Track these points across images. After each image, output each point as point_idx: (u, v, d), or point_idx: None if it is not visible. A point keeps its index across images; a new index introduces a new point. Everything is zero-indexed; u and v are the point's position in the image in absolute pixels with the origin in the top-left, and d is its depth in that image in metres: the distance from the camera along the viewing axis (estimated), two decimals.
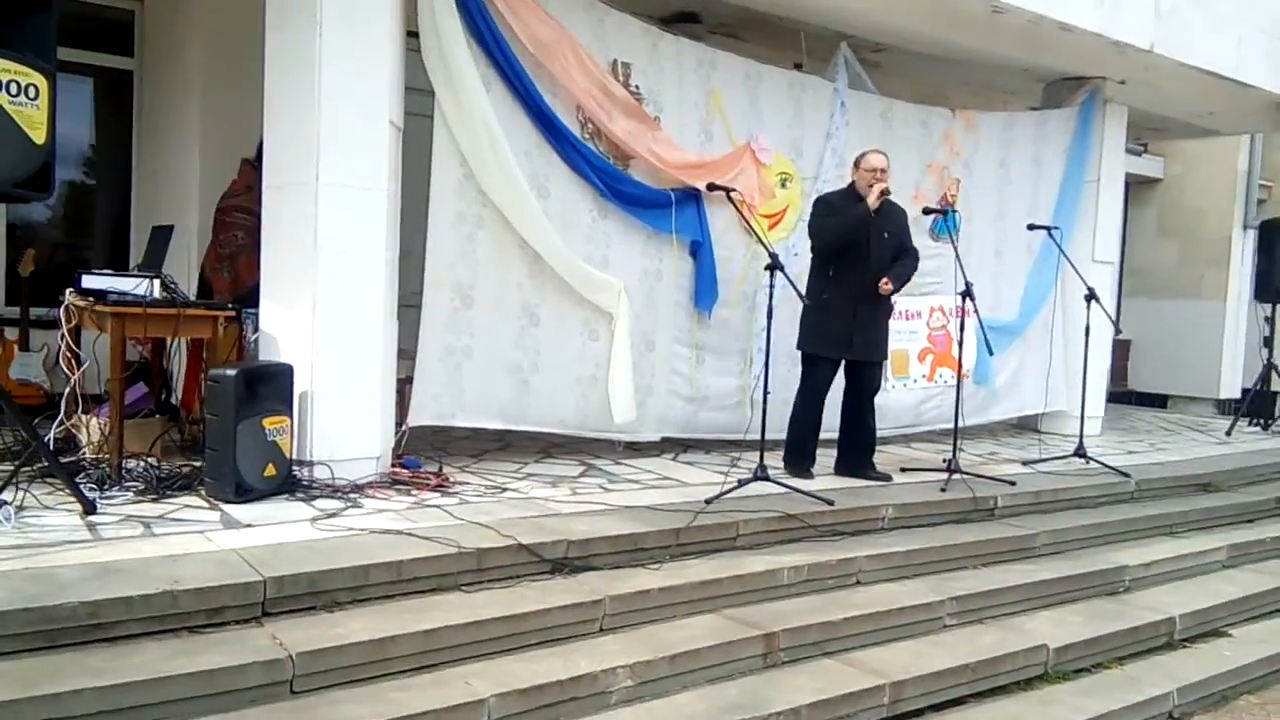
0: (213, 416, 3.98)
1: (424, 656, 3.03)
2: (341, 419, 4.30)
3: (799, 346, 5.21)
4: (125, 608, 2.82)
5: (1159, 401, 11.48)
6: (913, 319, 6.74)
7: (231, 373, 3.93)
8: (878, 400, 6.37)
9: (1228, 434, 8.36)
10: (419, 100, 4.76)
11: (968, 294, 5.26)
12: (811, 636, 3.54)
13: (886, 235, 5.17)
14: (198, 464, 4.26)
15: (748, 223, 4.99)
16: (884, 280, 5.19)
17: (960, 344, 5.43)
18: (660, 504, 4.31)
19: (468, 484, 4.54)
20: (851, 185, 5.24)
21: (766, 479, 4.63)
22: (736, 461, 5.47)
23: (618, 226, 5.16)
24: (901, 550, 4.27)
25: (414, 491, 4.30)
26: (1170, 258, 11.77)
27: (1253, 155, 11.02)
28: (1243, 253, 11.06)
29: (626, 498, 4.46)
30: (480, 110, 4.57)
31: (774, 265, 4.62)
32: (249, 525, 3.64)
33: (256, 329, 4.53)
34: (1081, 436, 6.25)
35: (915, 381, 6.76)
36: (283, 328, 4.35)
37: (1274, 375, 8.82)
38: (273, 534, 3.53)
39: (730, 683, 3.28)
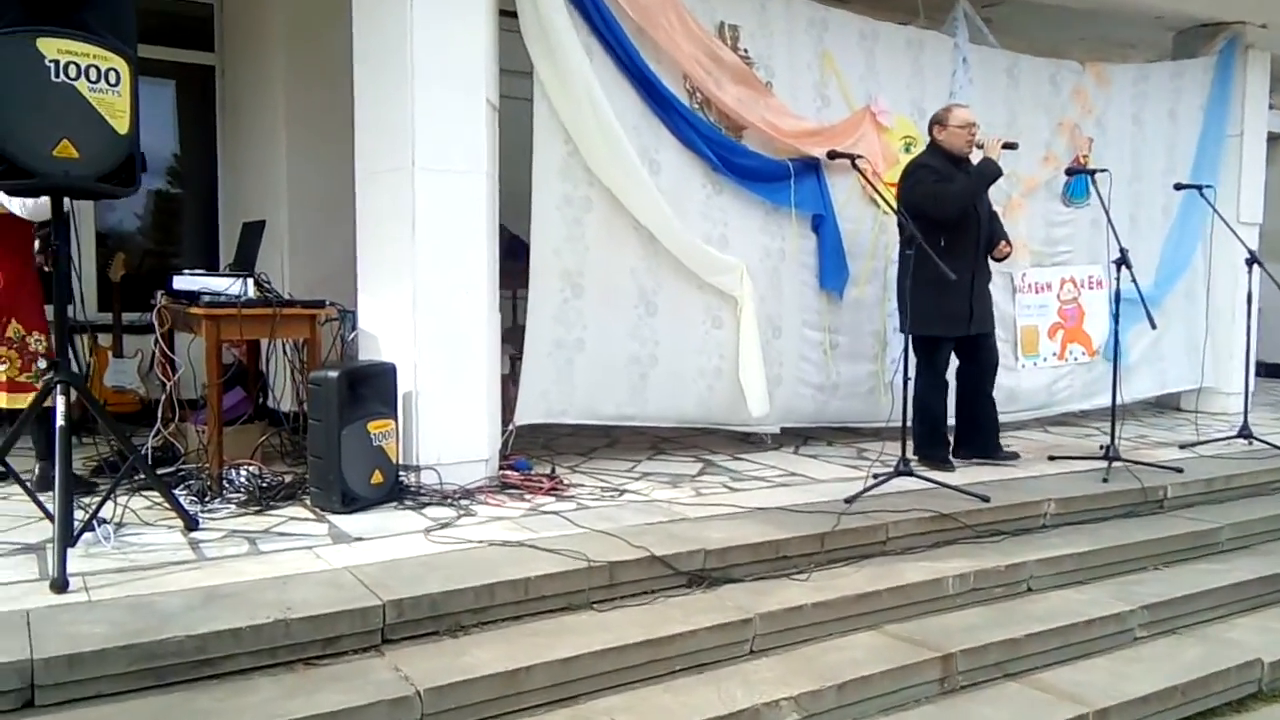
0: (315, 421, 3.71)
1: (560, 689, 2.69)
2: (448, 420, 4.00)
3: (913, 331, 4.47)
4: (234, 640, 2.55)
5: None
6: (1042, 292, 6.20)
7: (333, 375, 3.66)
8: (1009, 383, 5.91)
9: None
10: (510, 82, 4.43)
11: (1123, 261, 4.72)
12: (992, 656, 3.10)
13: (988, 202, 4.80)
14: (300, 470, 4.01)
15: (877, 192, 4.53)
16: (1002, 244, 4.84)
17: (1117, 317, 4.88)
18: (795, 504, 3.92)
19: (582, 486, 4.21)
20: (935, 146, 4.74)
21: (909, 474, 4.19)
22: (864, 454, 5.07)
23: (734, 202, 4.75)
24: (1074, 552, 3.79)
25: (527, 496, 3.99)
26: None
27: None
28: None
29: (755, 498, 4.08)
30: (584, 81, 4.20)
31: (913, 238, 4.17)
32: (359, 539, 3.36)
33: (355, 327, 4.26)
34: (1246, 415, 5.64)
35: (1045, 360, 6.22)
36: (382, 325, 4.07)
37: None
38: (385, 549, 3.25)
39: (906, 713, 2.88)
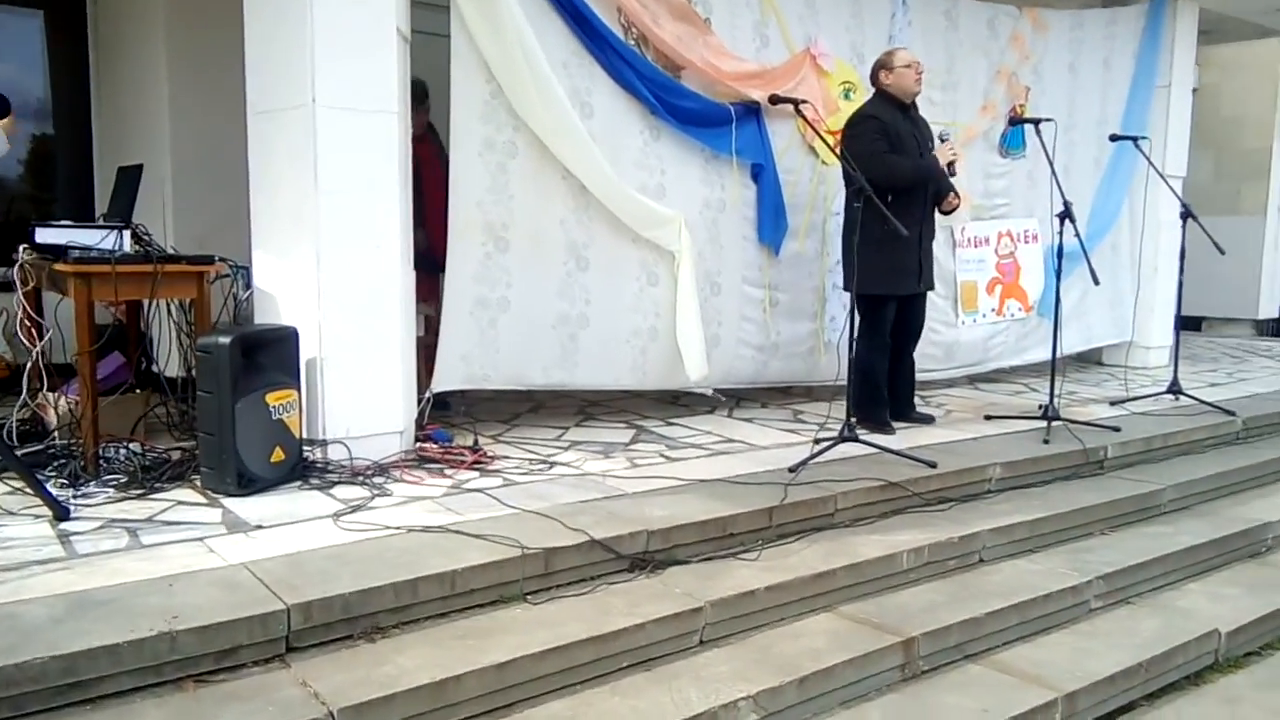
0: (205, 393, 3.29)
1: (496, 696, 2.40)
2: (358, 389, 3.63)
3: (859, 290, 4.19)
4: (110, 658, 2.18)
5: (1192, 324, 10.87)
6: (981, 246, 6.05)
7: (225, 340, 3.23)
8: (948, 339, 5.79)
9: None
10: (424, 16, 4.00)
11: (1066, 215, 4.56)
12: (953, 638, 2.92)
13: (930, 147, 4.61)
14: (190, 446, 3.59)
15: (823, 141, 4.25)
16: (951, 196, 4.65)
17: (1059, 272, 4.73)
18: (737, 475, 3.69)
19: (507, 458, 3.89)
20: (881, 94, 4.52)
21: (855, 439, 3.99)
22: (800, 416, 4.87)
23: (673, 149, 4.41)
24: (1025, 520, 3.64)
25: (448, 471, 3.65)
26: (1205, 172, 10.99)
27: None
28: None
29: (695, 468, 3.82)
30: (509, 13, 3.79)
31: (862, 190, 3.92)
32: (258, 527, 2.98)
33: (249, 286, 3.81)
34: (1176, 370, 5.62)
35: (984, 316, 6.10)
36: (281, 283, 3.65)
37: None
38: (289, 538, 2.88)
39: (869, 704, 2.67)
